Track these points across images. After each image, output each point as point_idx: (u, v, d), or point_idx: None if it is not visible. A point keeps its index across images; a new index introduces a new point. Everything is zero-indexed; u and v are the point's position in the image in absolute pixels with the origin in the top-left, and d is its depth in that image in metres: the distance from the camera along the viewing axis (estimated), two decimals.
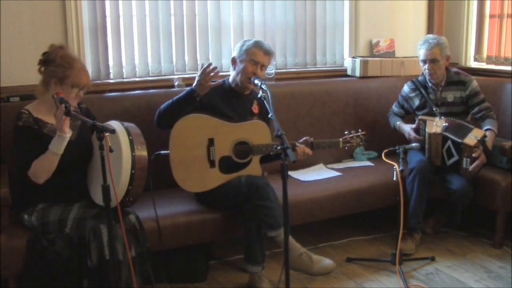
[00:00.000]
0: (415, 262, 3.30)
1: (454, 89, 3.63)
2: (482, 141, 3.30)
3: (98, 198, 2.62)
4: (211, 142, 3.03)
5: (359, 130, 3.20)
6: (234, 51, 3.19)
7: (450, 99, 3.62)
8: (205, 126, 3.03)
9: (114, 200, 2.35)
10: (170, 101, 3.04)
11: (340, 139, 3.16)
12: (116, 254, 2.49)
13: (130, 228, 2.64)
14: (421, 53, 3.58)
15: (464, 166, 3.33)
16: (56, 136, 2.52)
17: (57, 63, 2.62)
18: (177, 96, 3.04)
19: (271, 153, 3.02)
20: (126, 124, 2.73)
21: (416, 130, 3.57)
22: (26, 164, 2.58)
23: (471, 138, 3.29)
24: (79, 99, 2.73)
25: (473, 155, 3.26)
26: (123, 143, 2.58)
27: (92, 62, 3.54)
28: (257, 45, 3.12)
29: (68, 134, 2.51)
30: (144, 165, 2.64)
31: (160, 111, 3.06)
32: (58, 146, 2.52)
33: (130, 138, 2.62)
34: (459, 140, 3.31)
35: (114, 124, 2.69)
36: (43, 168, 2.56)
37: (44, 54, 2.68)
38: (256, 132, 3.09)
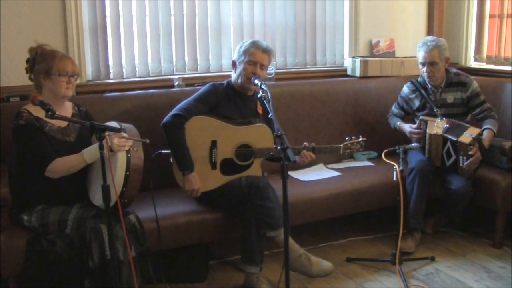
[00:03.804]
0: (415, 262, 3.30)
1: (454, 91, 3.62)
2: (477, 138, 3.29)
3: (96, 199, 2.62)
4: (214, 144, 3.04)
5: (360, 136, 3.19)
6: (234, 54, 3.19)
7: (450, 101, 3.61)
8: (209, 128, 3.04)
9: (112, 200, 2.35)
10: (179, 150, 2.96)
11: (341, 145, 3.16)
12: (117, 254, 2.49)
13: (130, 228, 2.64)
14: (420, 55, 3.57)
15: (461, 164, 3.33)
16: (94, 145, 2.50)
17: (39, 60, 2.67)
18: (182, 157, 2.96)
19: (272, 154, 3.02)
20: (124, 125, 2.72)
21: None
22: (45, 158, 2.58)
23: (466, 136, 3.29)
24: (73, 88, 2.72)
25: (470, 152, 3.26)
26: None
27: (92, 62, 3.54)
28: (254, 44, 3.12)
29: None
30: (139, 167, 2.63)
31: (171, 139, 2.97)
32: (91, 156, 2.56)
33: None
34: (455, 139, 3.31)
35: (113, 124, 2.68)
36: (66, 169, 2.60)
37: (27, 61, 2.71)
38: (259, 136, 3.09)
